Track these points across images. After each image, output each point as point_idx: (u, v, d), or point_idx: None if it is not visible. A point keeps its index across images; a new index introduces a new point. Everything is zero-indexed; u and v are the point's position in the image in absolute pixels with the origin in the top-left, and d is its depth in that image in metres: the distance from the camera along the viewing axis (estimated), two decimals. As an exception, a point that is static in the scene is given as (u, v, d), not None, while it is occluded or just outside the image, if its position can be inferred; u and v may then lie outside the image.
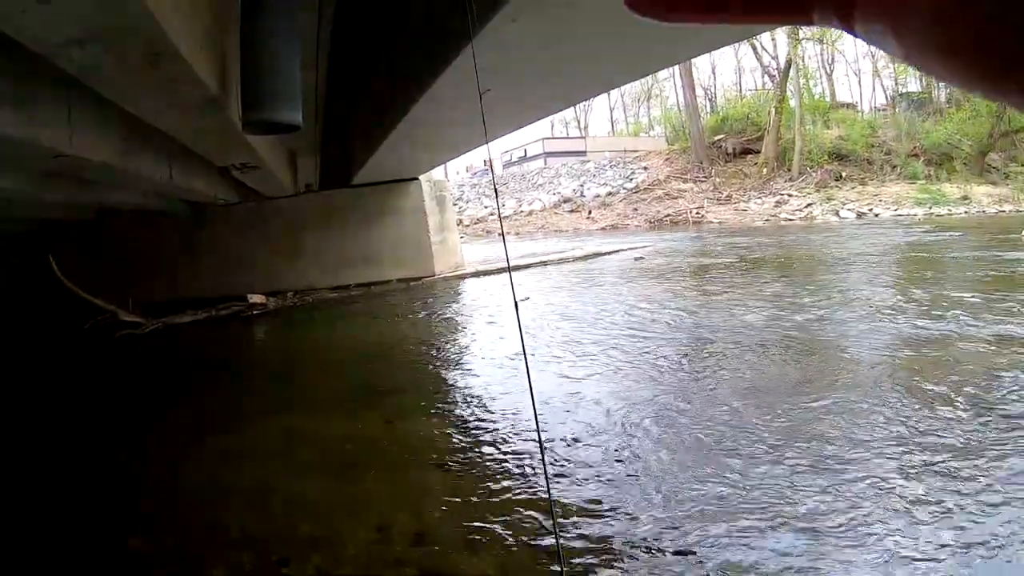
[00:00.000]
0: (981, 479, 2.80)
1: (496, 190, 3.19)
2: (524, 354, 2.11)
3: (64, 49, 2.68)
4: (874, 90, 47.32)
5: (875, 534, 2.46)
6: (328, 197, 12.19)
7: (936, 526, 2.48)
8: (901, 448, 3.19)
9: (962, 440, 3.23)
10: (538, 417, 2.08)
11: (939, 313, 5.98)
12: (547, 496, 2.60)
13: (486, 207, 33.68)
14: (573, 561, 2.45)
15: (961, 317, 5.71)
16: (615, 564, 2.44)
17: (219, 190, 9.04)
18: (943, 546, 2.35)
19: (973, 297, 6.64)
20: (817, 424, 3.58)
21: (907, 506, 2.63)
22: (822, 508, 2.67)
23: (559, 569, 2.32)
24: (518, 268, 13.11)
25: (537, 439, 3.50)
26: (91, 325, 8.74)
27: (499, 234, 27.62)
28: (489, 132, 8.20)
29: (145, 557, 2.83)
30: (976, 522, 2.49)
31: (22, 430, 4.98)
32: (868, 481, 2.86)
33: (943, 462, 2.99)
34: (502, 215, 17.69)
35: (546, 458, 2.97)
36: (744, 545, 2.47)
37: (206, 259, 11.92)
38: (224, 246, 11.99)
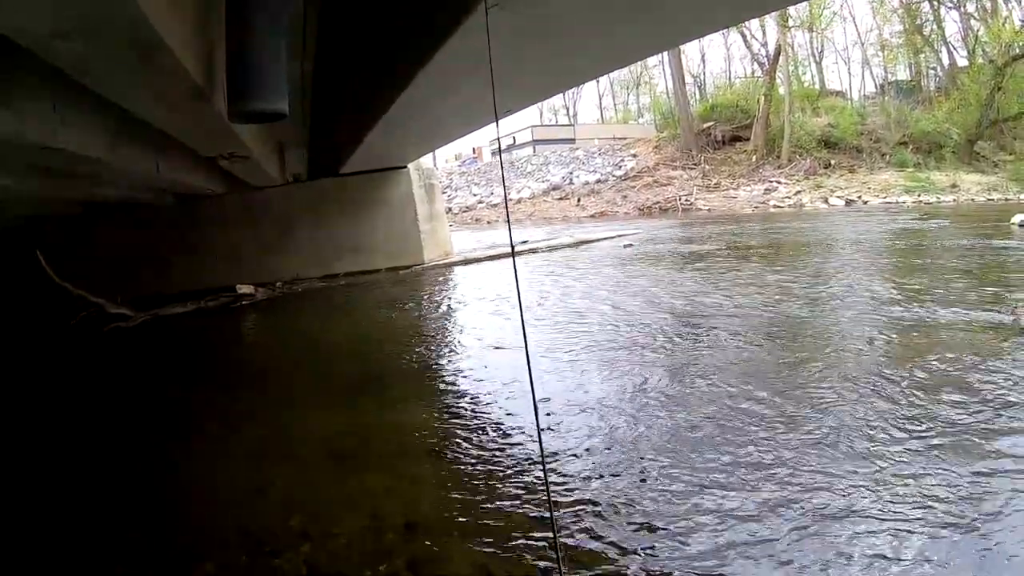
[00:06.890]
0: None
1: (503, 173, 3.18)
2: (525, 343, 2.12)
3: (48, 41, 2.65)
4: (863, 78, 47.60)
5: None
6: (316, 187, 12.12)
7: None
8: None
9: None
10: (537, 408, 2.10)
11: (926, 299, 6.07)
12: (543, 486, 2.62)
13: (475, 195, 33.64)
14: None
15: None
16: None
17: (206, 181, 8.95)
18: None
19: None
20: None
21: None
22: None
23: (555, 556, 2.35)
24: (508, 256, 13.10)
25: (536, 433, 3.52)
26: (79, 320, 8.67)
27: (488, 222, 27.67)
28: (481, 118, 8.17)
29: (141, 547, 2.85)
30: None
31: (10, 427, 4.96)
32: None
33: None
34: (493, 203, 17.67)
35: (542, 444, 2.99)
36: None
37: (194, 250, 11.81)
38: (212, 237, 11.90)
